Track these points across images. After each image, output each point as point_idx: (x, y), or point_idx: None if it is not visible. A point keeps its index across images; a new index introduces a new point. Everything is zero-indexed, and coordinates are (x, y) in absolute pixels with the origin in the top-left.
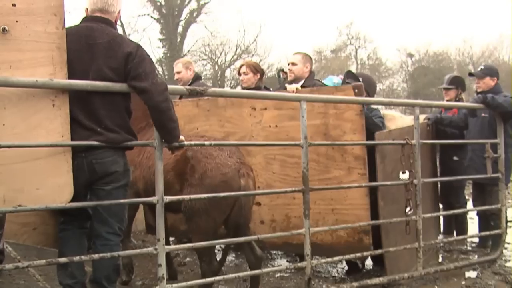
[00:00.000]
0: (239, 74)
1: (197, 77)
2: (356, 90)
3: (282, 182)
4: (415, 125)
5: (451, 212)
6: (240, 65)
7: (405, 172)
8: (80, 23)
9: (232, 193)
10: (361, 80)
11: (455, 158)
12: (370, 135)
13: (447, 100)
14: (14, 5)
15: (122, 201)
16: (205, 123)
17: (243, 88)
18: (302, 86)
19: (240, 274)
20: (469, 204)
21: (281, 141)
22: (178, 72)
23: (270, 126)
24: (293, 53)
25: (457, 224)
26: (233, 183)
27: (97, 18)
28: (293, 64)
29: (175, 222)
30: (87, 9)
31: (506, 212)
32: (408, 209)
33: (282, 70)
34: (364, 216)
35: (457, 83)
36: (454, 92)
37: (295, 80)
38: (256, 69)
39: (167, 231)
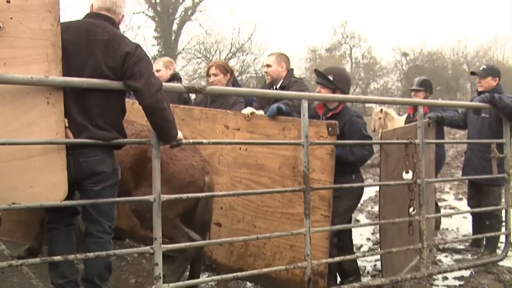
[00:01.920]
0: (208, 75)
1: (174, 77)
2: (330, 129)
3: (244, 207)
4: (418, 124)
5: (456, 212)
6: (209, 66)
7: (408, 172)
8: (83, 18)
9: (236, 192)
10: (331, 78)
11: None
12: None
13: None
14: (8, 1)
15: (118, 199)
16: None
17: None
18: (280, 86)
19: (239, 274)
20: (462, 203)
21: (248, 165)
22: (158, 71)
23: (240, 148)
24: (268, 55)
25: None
26: (199, 182)
27: (101, 15)
28: (268, 66)
29: (136, 226)
30: (92, 5)
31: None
32: (411, 209)
33: None
34: (322, 257)
35: (426, 86)
36: (423, 94)
37: (273, 82)
38: (226, 69)
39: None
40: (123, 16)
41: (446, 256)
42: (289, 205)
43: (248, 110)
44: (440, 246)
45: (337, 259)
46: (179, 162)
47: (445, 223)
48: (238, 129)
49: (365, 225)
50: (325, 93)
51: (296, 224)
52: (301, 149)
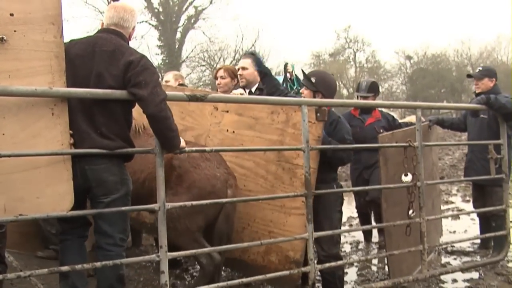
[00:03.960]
0: (216, 78)
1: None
2: (318, 114)
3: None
4: (417, 127)
5: (455, 213)
6: (218, 68)
7: (407, 175)
8: (94, 34)
9: (238, 199)
10: (314, 80)
11: None
12: None
13: None
14: (12, 14)
15: (122, 208)
16: None
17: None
18: (257, 88)
19: (244, 280)
20: (470, 205)
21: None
22: (167, 81)
23: (227, 130)
24: (242, 57)
25: None
26: (221, 194)
27: (110, 30)
28: (243, 68)
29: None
30: (103, 23)
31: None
32: (411, 211)
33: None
34: (299, 246)
35: (374, 90)
36: (372, 99)
37: (247, 85)
38: (234, 73)
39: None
40: (134, 28)
41: (455, 259)
42: (271, 191)
43: (238, 92)
44: (449, 249)
45: (340, 262)
46: (202, 171)
47: (452, 225)
48: (227, 111)
49: (366, 228)
50: (307, 94)
51: (276, 210)
52: (287, 133)
